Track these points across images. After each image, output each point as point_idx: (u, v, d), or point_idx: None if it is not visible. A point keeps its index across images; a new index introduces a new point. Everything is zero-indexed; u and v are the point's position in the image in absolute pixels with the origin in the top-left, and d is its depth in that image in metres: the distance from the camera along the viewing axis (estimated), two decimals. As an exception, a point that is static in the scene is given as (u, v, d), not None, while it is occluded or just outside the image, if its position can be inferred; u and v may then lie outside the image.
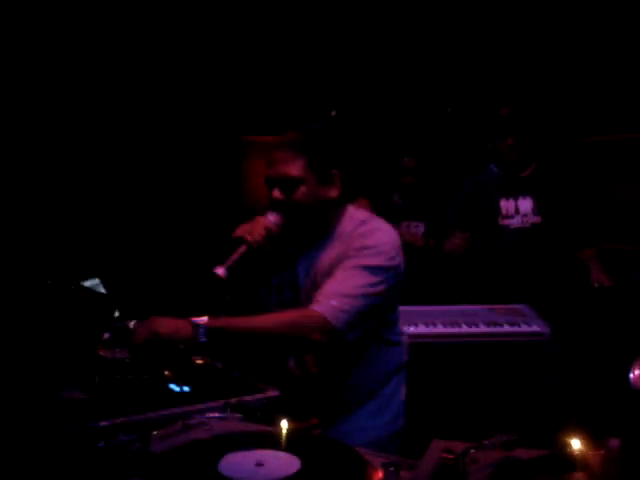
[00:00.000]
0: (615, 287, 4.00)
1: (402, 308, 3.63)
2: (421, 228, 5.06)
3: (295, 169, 2.28)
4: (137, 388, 2.24)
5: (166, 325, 2.20)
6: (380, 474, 1.67)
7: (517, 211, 4.15)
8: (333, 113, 5.79)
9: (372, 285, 2.28)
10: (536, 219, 4.12)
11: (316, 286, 2.35)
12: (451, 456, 1.61)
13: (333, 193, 2.38)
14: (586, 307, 4.14)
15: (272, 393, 2.21)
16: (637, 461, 1.54)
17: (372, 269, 2.28)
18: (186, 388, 2.25)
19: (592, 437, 1.68)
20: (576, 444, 1.61)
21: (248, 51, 5.39)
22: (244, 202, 5.73)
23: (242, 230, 2.34)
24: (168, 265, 5.05)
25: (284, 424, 1.85)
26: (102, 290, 2.91)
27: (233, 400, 2.10)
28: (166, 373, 2.37)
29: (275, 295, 2.51)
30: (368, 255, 2.29)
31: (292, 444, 1.80)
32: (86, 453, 1.83)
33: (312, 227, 2.40)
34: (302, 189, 2.29)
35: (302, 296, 2.43)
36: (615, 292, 4.04)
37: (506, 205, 4.16)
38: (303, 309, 2.30)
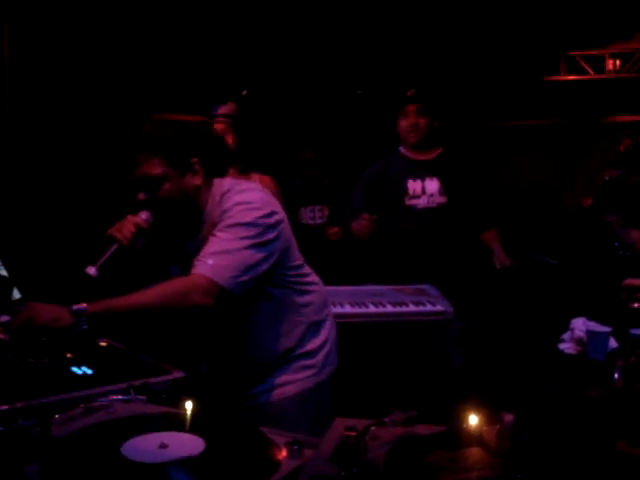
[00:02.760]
0: (516, 268, 4.12)
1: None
2: (326, 212, 5.09)
3: (154, 168, 2.31)
4: (38, 371, 2.20)
5: (44, 313, 2.17)
6: (284, 453, 1.69)
7: (424, 191, 4.22)
8: (244, 92, 5.75)
9: (250, 237, 2.31)
10: (442, 199, 4.20)
11: None
12: (352, 433, 1.64)
13: (197, 181, 2.43)
14: (489, 287, 4.27)
15: (177, 375, 2.20)
16: (529, 434, 1.60)
17: (246, 225, 2.32)
18: (89, 371, 2.22)
19: (488, 412, 1.75)
20: (472, 419, 1.67)
21: (158, 28, 5.30)
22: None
23: (112, 229, 2.35)
24: (69, 249, 4.94)
25: (188, 405, 1.85)
26: (2, 271, 2.83)
27: (137, 382, 2.09)
28: (68, 356, 2.33)
29: None
30: (239, 212, 2.34)
31: (196, 425, 1.80)
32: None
33: (185, 216, 2.44)
34: (166, 185, 2.34)
35: None
36: (516, 272, 4.17)
37: (413, 185, 4.23)
38: (183, 277, 2.32)
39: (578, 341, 2.76)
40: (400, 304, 3.66)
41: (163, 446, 1.70)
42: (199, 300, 2.25)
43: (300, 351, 2.61)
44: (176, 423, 1.82)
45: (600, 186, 2.02)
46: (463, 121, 5.22)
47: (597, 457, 1.63)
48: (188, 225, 2.46)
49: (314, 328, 2.66)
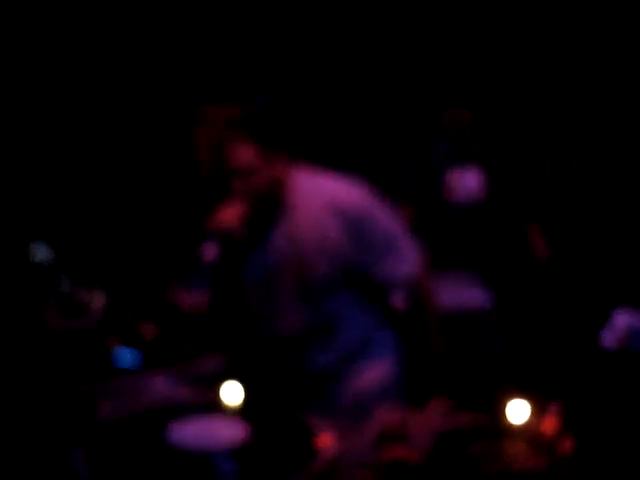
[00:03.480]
0: (556, 260, 4.10)
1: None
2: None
3: (250, 158, 2.26)
4: (85, 357, 2.24)
5: None
6: (326, 440, 1.71)
7: (464, 185, 4.21)
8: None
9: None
10: (482, 194, 4.19)
11: (300, 255, 2.31)
12: (394, 422, 1.66)
13: (283, 173, 2.36)
14: (530, 278, 4.25)
15: (222, 360, 2.22)
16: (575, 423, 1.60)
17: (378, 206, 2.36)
18: (136, 356, 2.26)
19: (531, 404, 1.75)
20: (516, 410, 1.66)
21: (198, 21, 5.32)
22: (199, 171, 5.69)
23: (221, 221, 2.31)
24: (124, 234, 5.00)
25: (233, 391, 1.87)
26: (48, 254, 2.88)
27: (183, 368, 2.12)
28: (115, 341, 2.37)
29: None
30: (362, 198, 2.33)
31: (241, 411, 1.83)
32: (32, 423, 1.83)
33: (267, 208, 2.38)
34: (259, 175, 2.29)
35: (281, 269, 2.37)
36: (557, 265, 4.15)
37: (454, 179, 4.22)
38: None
39: (621, 336, 2.73)
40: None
41: (208, 431, 1.73)
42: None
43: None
44: (221, 408, 1.85)
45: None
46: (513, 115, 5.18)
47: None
48: (271, 213, 2.40)
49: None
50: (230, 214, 2.28)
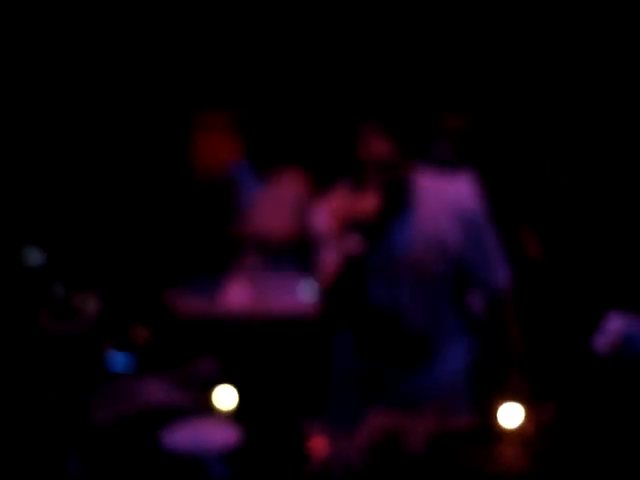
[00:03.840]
0: (550, 263, 4.10)
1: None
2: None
3: (391, 152, 2.35)
4: (78, 361, 2.24)
5: None
6: (320, 443, 1.70)
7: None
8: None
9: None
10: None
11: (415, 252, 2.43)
12: (390, 425, 1.66)
13: (411, 167, 2.46)
14: (524, 282, 4.24)
15: (216, 364, 2.22)
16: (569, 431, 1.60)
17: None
18: (129, 360, 2.25)
19: (524, 407, 1.75)
20: (510, 412, 1.67)
21: (196, 25, 5.32)
22: (193, 174, 5.69)
23: (363, 209, 2.35)
24: (117, 238, 4.99)
25: (227, 394, 1.87)
26: (41, 258, 2.88)
27: (177, 372, 2.11)
28: (110, 344, 2.36)
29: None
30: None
31: (235, 414, 1.82)
32: (26, 427, 1.82)
33: (400, 200, 2.47)
34: (398, 169, 2.39)
35: (402, 261, 2.46)
36: (549, 266, 4.15)
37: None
38: (495, 294, 2.55)
39: (614, 341, 2.72)
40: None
41: (201, 435, 1.73)
42: None
43: None
44: (214, 412, 1.85)
45: None
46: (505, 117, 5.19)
47: (632, 456, 1.62)
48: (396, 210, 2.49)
49: None
50: (367, 204, 2.34)
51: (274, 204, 3.83)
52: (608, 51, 4.95)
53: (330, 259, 2.38)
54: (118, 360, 2.28)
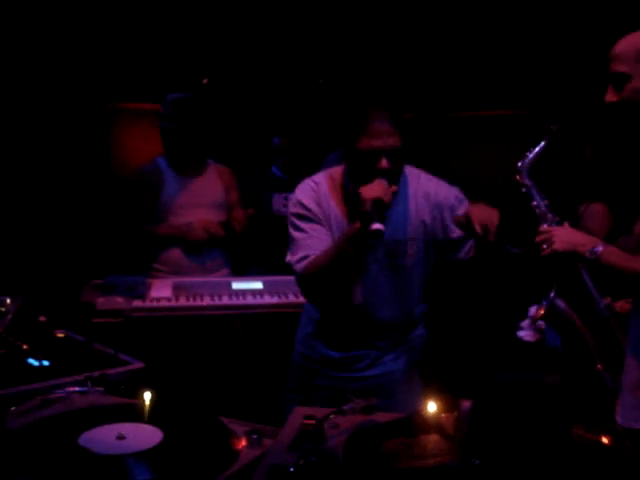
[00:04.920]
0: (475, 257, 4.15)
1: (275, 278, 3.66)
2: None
3: (398, 141, 2.46)
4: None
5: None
6: (243, 442, 1.69)
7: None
8: (205, 81, 5.70)
9: None
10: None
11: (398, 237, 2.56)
12: (312, 422, 1.65)
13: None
14: (447, 275, 4.29)
15: (135, 366, 2.18)
16: (486, 421, 1.62)
17: None
18: (46, 362, 2.20)
19: (447, 400, 1.76)
20: (430, 407, 1.68)
21: (112, 16, 5.21)
22: (111, 169, 5.58)
23: (379, 192, 2.42)
24: (35, 239, 4.86)
25: (146, 396, 1.84)
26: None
27: (94, 374, 2.07)
28: (25, 347, 2.30)
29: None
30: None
31: (154, 416, 1.79)
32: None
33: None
34: (401, 159, 2.51)
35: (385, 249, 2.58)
36: (474, 261, 4.20)
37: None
38: None
39: (536, 328, 2.78)
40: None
41: (121, 437, 1.69)
42: None
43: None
44: (134, 414, 1.81)
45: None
46: (436, 111, 5.25)
47: (554, 443, 1.66)
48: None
49: None
50: (381, 188, 2.41)
51: (196, 200, 3.78)
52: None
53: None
54: (37, 362, 2.22)
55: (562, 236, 2.14)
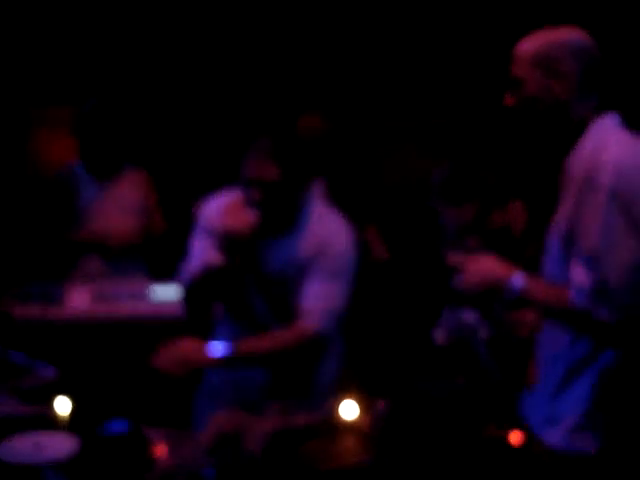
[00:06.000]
0: (392, 261, 4.23)
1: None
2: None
3: (276, 175, 2.36)
4: None
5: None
6: (162, 448, 1.69)
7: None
8: (125, 87, 5.63)
9: (344, 292, 2.44)
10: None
11: (286, 274, 2.47)
12: (231, 426, 1.66)
13: (304, 192, 2.50)
14: (366, 280, 4.35)
15: (52, 374, 2.16)
16: (401, 420, 1.67)
17: (344, 276, 2.46)
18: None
19: (363, 401, 1.80)
20: (347, 408, 1.72)
21: (32, 19, 5.11)
22: (28, 174, 5.45)
23: (236, 223, 2.38)
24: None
25: (63, 405, 1.82)
26: None
27: (9, 383, 2.04)
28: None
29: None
30: (345, 261, 2.47)
31: (71, 424, 1.78)
32: None
33: (283, 221, 2.50)
34: (278, 192, 2.39)
35: (265, 282, 2.51)
36: (392, 265, 4.28)
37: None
38: (295, 328, 2.38)
39: (450, 331, 2.86)
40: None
41: (37, 446, 1.67)
42: (309, 351, 2.39)
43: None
44: (50, 423, 1.79)
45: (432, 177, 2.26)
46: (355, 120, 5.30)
47: (465, 441, 1.71)
48: (282, 229, 2.51)
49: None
50: (241, 220, 2.38)
51: (114, 205, 3.74)
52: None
53: (206, 257, 2.39)
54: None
55: (473, 272, 1.88)
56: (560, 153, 1.87)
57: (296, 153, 2.47)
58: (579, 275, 1.73)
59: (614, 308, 1.68)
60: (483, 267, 1.88)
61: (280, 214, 2.46)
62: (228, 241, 2.35)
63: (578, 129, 1.83)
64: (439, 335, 2.89)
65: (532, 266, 1.93)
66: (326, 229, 2.52)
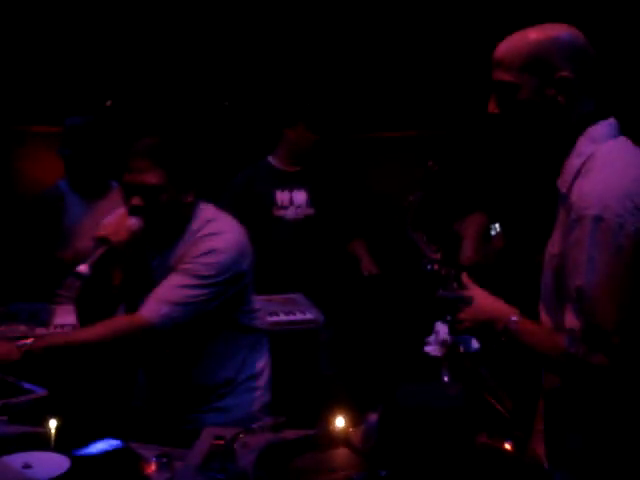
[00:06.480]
0: (382, 275, 4.23)
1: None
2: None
3: (155, 178, 2.33)
4: None
5: None
6: (153, 467, 1.68)
7: (292, 202, 4.26)
8: (109, 103, 5.64)
9: (204, 295, 2.36)
10: (310, 211, 4.26)
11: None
12: (221, 442, 1.65)
13: (190, 198, 2.45)
14: (357, 294, 4.36)
15: (40, 393, 2.14)
16: (393, 432, 1.66)
17: (206, 278, 2.36)
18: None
19: (354, 414, 1.80)
20: (338, 422, 1.71)
21: (16, 39, 5.11)
22: (16, 192, 5.44)
23: (107, 230, 2.35)
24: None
25: (52, 424, 1.81)
26: None
27: (2, 401, 2.02)
28: None
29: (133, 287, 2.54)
30: (206, 264, 2.37)
31: (60, 444, 1.76)
32: None
33: (169, 228, 2.46)
34: (162, 197, 2.35)
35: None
36: (383, 279, 4.28)
37: (281, 196, 4.26)
38: (131, 316, 2.36)
39: (443, 343, 2.86)
40: (271, 314, 3.69)
41: (27, 466, 1.66)
42: (141, 341, 2.37)
43: (245, 375, 2.62)
44: (40, 442, 1.78)
45: (404, 206, 2.12)
46: (337, 132, 5.31)
47: (458, 451, 1.71)
48: (169, 235, 2.46)
49: (256, 350, 2.69)
50: (112, 225, 2.36)
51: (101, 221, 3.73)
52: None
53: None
54: None
55: (474, 310, 1.80)
56: (555, 162, 1.74)
57: (181, 154, 2.43)
58: (571, 319, 1.60)
59: (609, 352, 1.54)
60: (482, 304, 1.79)
61: (165, 222, 2.41)
62: (101, 250, 2.31)
63: (574, 136, 1.70)
64: (431, 347, 2.89)
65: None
66: (203, 232, 2.45)
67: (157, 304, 2.31)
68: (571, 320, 1.59)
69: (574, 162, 1.68)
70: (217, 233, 2.43)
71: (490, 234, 4.50)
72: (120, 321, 2.40)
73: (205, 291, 2.36)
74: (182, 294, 2.33)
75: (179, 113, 5.39)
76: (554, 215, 1.80)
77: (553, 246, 1.73)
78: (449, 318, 1.85)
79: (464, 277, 1.86)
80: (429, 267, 1.93)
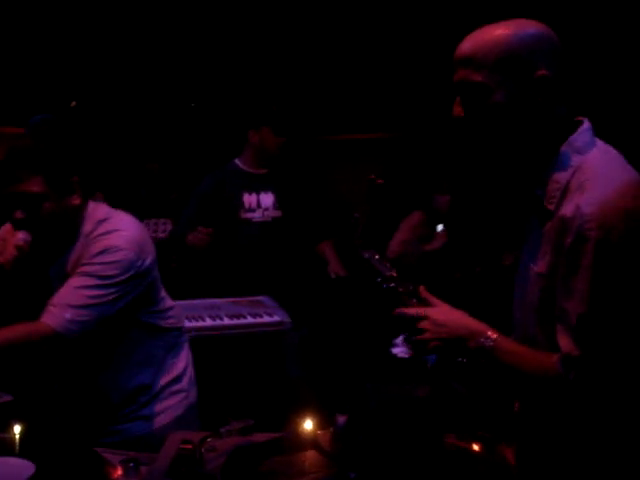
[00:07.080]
0: (349, 277, 4.24)
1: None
2: (169, 226, 5.01)
3: (34, 186, 2.21)
4: None
5: None
6: (119, 471, 1.66)
7: (259, 205, 4.25)
8: (73, 104, 5.58)
9: (107, 295, 2.26)
10: (277, 213, 4.25)
11: None
12: (188, 446, 1.64)
13: (76, 201, 2.34)
14: (324, 296, 4.36)
15: (4, 399, 2.11)
16: (361, 434, 1.66)
17: (107, 278, 2.27)
18: None
19: (323, 416, 1.80)
20: (307, 424, 1.71)
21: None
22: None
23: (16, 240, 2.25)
24: None
25: (16, 429, 1.78)
26: None
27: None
28: None
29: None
30: (104, 263, 2.27)
31: (25, 449, 1.74)
32: None
33: (60, 235, 2.35)
34: (46, 205, 2.24)
35: None
36: (350, 281, 4.29)
37: (249, 199, 4.25)
38: (31, 325, 2.21)
39: (409, 344, 2.87)
40: (237, 316, 3.67)
41: (-9, 472, 1.63)
42: (46, 347, 2.23)
43: (166, 379, 2.55)
44: (4, 448, 1.75)
45: (350, 223, 2.02)
46: (303, 134, 5.31)
47: (427, 452, 1.72)
48: (61, 242, 2.36)
49: (174, 352, 2.61)
50: (1, 244, 2.29)
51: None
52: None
53: None
54: None
55: (439, 325, 1.64)
56: (532, 170, 1.61)
57: (56, 156, 2.32)
58: (566, 343, 1.50)
59: (607, 378, 1.46)
60: (447, 320, 1.65)
61: (54, 230, 2.31)
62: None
63: (554, 143, 1.57)
64: (398, 348, 2.90)
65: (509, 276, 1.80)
66: (97, 232, 2.35)
67: (59, 309, 2.20)
68: (567, 345, 1.49)
69: (560, 176, 1.56)
70: (112, 231, 2.33)
71: (432, 232, 4.56)
72: (18, 329, 2.21)
73: (107, 291, 2.26)
74: (83, 295, 2.23)
75: (145, 114, 5.36)
76: (520, 226, 1.73)
77: (537, 264, 1.60)
78: (413, 338, 1.68)
79: (422, 292, 1.75)
80: (385, 285, 1.85)
